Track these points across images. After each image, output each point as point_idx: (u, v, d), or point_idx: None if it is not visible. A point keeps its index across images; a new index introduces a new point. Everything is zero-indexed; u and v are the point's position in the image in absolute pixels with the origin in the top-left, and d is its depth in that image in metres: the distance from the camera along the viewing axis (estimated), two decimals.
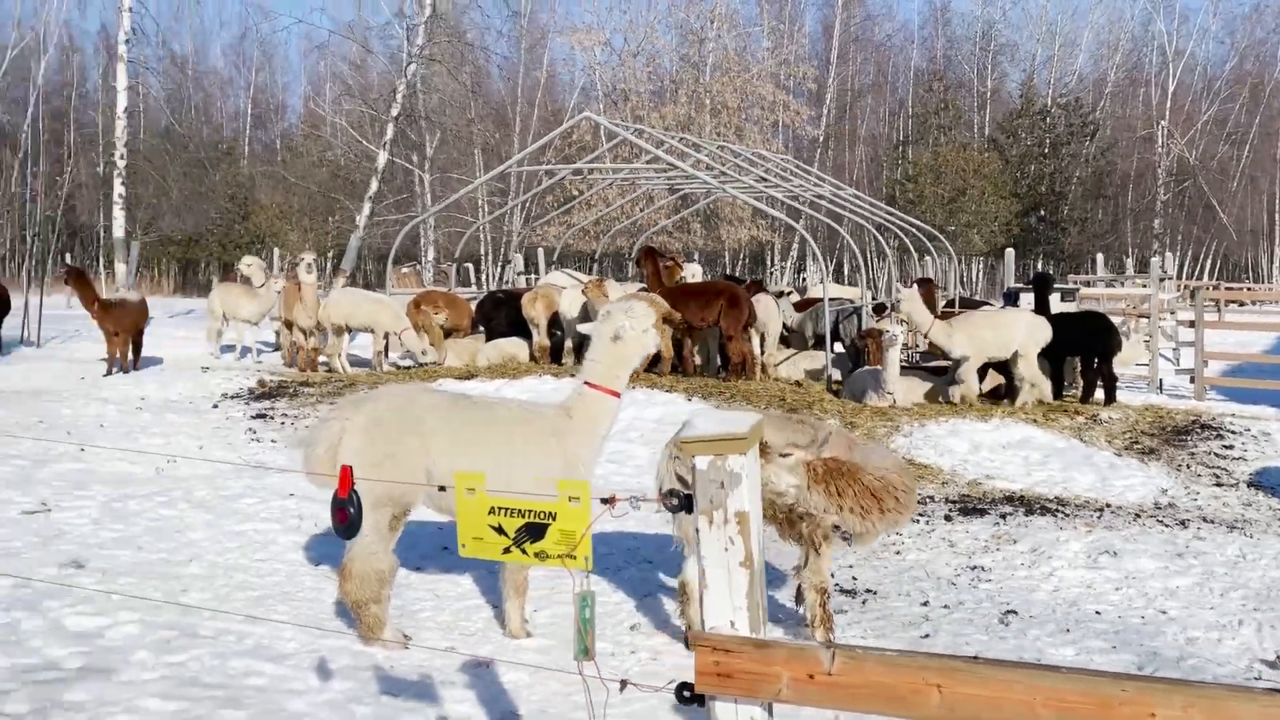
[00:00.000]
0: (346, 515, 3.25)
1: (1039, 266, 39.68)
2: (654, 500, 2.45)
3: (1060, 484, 8.78)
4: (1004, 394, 11.98)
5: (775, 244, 39.46)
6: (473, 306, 16.08)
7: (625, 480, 8.64)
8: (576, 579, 2.15)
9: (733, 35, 38.06)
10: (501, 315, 15.69)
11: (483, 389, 11.59)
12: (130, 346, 13.98)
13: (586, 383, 5.09)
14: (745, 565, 1.86)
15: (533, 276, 23.19)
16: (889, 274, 29.25)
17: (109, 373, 13.59)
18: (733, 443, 1.79)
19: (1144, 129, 47.03)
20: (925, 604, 5.73)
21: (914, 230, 19.58)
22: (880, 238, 19.22)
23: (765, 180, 17.31)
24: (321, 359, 14.82)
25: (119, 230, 23.45)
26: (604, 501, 2.08)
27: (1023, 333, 11.40)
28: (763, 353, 13.45)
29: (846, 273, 41.14)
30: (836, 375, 12.95)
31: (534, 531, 2.12)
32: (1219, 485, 8.92)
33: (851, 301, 14.93)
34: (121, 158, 23.74)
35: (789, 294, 16.35)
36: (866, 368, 12.16)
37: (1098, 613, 5.63)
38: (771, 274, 38.74)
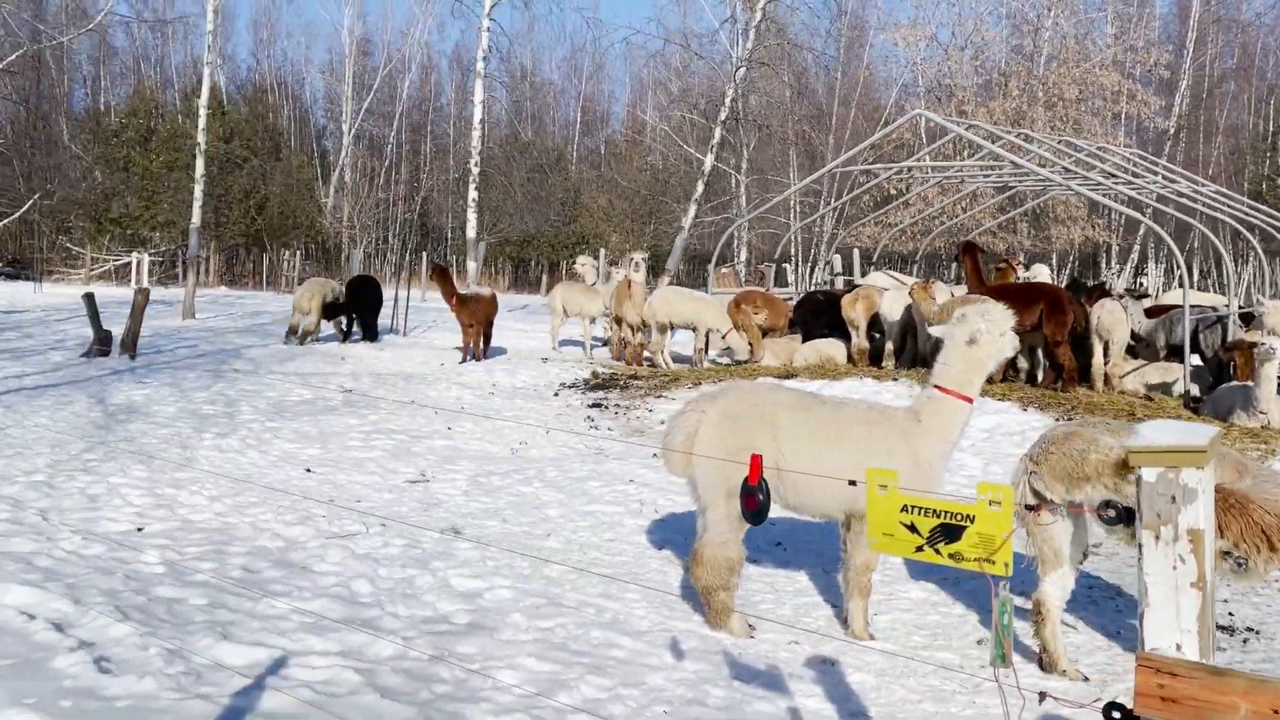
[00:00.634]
0: (756, 501, 3.40)
1: None
2: (1084, 511, 2.36)
3: None
4: None
5: (1112, 245, 36.37)
6: (789, 307, 16.16)
7: (958, 490, 8.31)
8: (995, 585, 2.12)
9: (1072, 22, 35.44)
10: (819, 316, 15.67)
11: (805, 390, 11.62)
12: (482, 337, 15.36)
13: (937, 386, 4.99)
14: (1197, 586, 1.75)
15: (848, 278, 22.93)
16: (1248, 279, 26.07)
17: (464, 360, 15.02)
18: (1190, 455, 1.69)
19: None
20: None
21: None
22: (1250, 237, 17.15)
23: (1113, 177, 16.00)
24: (646, 354, 15.50)
25: (471, 231, 25.81)
26: (1028, 508, 2.02)
27: None
28: (1106, 362, 12.46)
29: (1195, 278, 37.13)
30: (1195, 390, 11.75)
31: (949, 533, 2.12)
32: None
33: (1214, 309, 13.46)
34: (475, 165, 26.12)
35: (1145, 295, 14.89)
36: (1234, 383, 10.93)
37: None
38: (1107, 279, 35.74)
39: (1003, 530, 2.04)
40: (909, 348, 13.99)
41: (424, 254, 36.37)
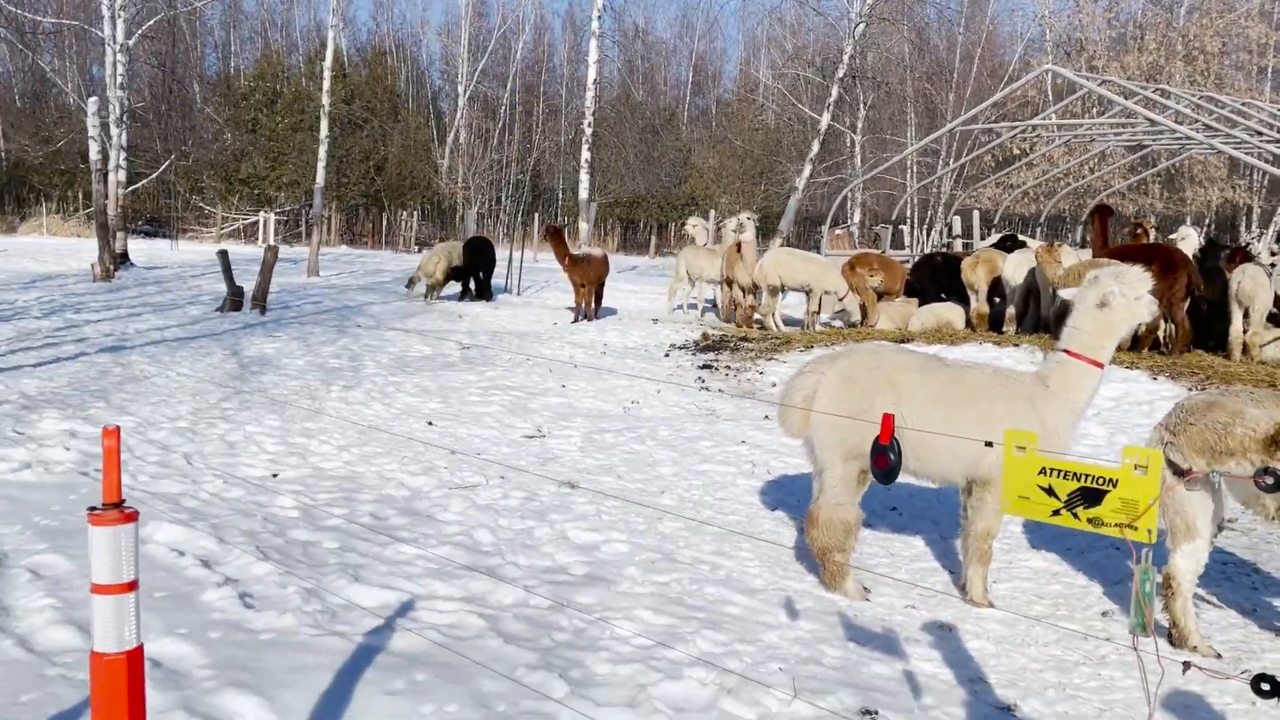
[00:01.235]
0: (887, 460, 3.38)
1: None
2: (1242, 478, 2.27)
3: None
4: None
5: (1253, 207, 34.37)
6: (906, 270, 15.81)
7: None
8: (1137, 552, 2.07)
9: None
10: (936, 279, 15.30)
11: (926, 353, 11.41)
12: (593, 297, 15.51)
13: (1067, 350, 4.85)
14: None
15: (967, 240, 22.28)
16: None
17: (575, 320, 15.21)
18: None
19: None
20: None
21: None
22: None
23: (1259, 134, 15.09)
24: (756, 317, 15.42)
25: (583, 192, 25.97)
26: (1177, 474, 1.96)
27: None
28: (1246, 330, 11.84)
29: None
30: None
31: (1089, 496, 2.07)
32: None
33: None
34: (588, 125, 26.22)
35: None
36: None
37: None
38: (1249, 242, 33.84)
39: (1148, 495, 1.98)
40: (1030, 313, 13.56)
41: (536, 215, 36.80)
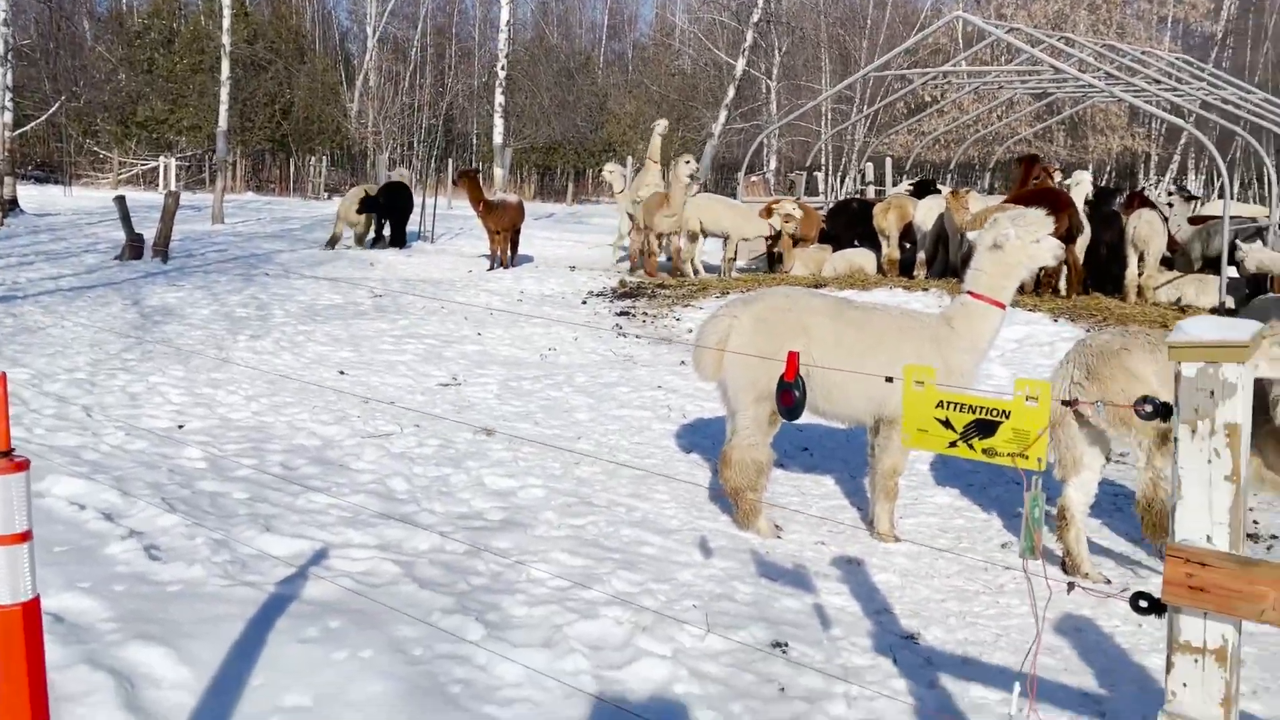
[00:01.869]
0: (792, 397, 3.44)
1: None
2: (1122, 406, 2.37)
3: None
4: None
5: (1151, 155, 35.56)
6: (821, 217, 15.99)
7: None
8: (1028, 479, 2.16)
9: None
10: (851, 226, 15.50)
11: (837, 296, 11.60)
12: (509, 245, 15.34)
13: (970, 292, 4.98)
14: (1231, 480, 1.77)
15: (879, 187, 22.59)
16: None
17: (491, 268, 15.04)
18: (1231, 350, 1.69)
19: None
20: None
21: None
22: None
23: (1157, 83, 15.55)
24: (675, 262, 15.41)
25: (498, 137, 25.56)
26: (1065, 404, 2.04)
27: None
28: (1140, 273, 12.31)
29: (1236, 189, 36.28)
30: (1230, 303, 11.61)
31: (983, 428, 2.15)
32: None
33: (1254, 220, 13.21)
34: (502, 68, 25.72)
35: (1195, 198, 14.44)
36: (1271, 295, 10.79)
37: None
38: (1144, 187, 35.06)
39: (1038, 426, 2.06)
40: (940, 258, 13.86)
41: (450, 160, 36.09)
